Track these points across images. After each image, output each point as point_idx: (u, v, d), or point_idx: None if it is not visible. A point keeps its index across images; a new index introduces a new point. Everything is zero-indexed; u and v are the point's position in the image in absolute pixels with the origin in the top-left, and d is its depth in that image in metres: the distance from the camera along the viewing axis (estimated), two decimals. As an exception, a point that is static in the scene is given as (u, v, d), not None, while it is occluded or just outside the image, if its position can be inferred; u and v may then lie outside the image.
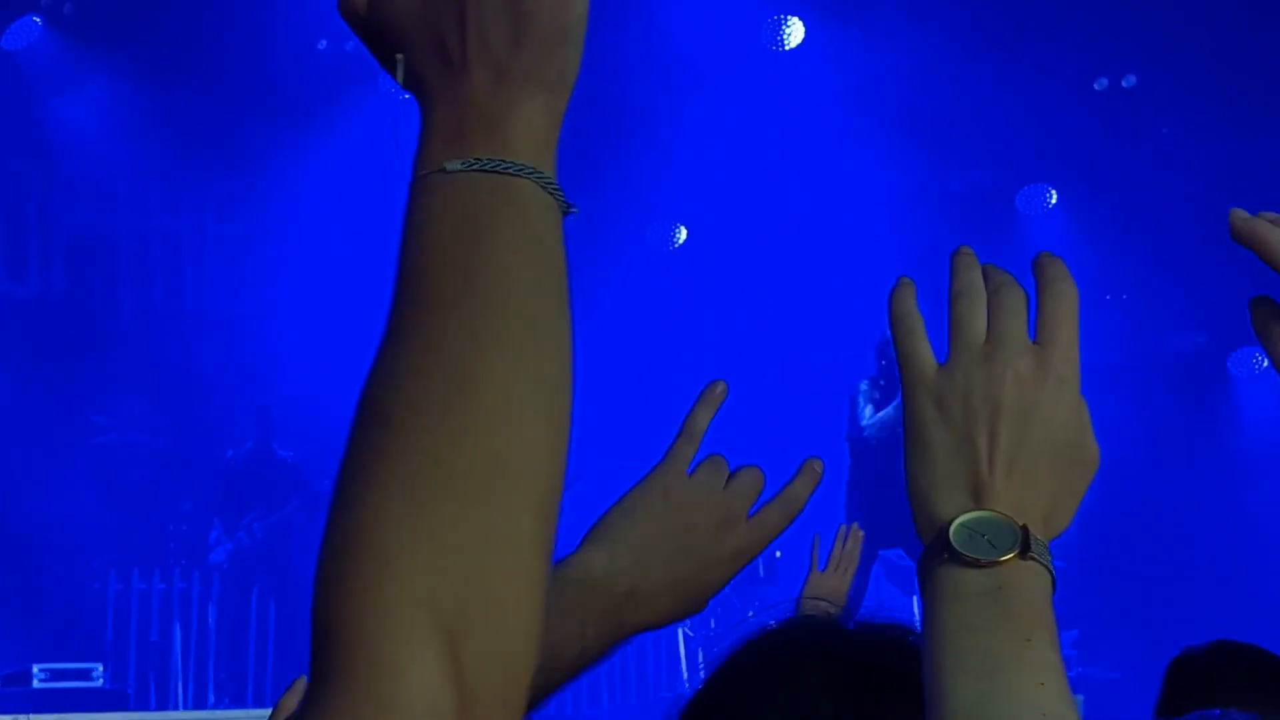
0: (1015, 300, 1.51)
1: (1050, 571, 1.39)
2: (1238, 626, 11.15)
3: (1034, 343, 1.46)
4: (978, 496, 1.40)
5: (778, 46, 15.00)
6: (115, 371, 14.81)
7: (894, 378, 11.67)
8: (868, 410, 11.61)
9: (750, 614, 1.73)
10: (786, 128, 15.24)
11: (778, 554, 13.66)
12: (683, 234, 16.12)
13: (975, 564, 1.36)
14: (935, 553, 1.39)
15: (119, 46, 14.03)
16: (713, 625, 13.52)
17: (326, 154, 14.87)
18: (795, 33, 14.93)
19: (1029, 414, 1.41)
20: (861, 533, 4.66)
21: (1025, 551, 1.37)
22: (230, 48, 13.89)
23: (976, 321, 1.49)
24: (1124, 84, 15.10)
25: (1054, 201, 16.03)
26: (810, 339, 15.60)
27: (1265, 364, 14.63)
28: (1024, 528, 1.37)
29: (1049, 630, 1.36)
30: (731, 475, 1.87)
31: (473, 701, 1.00)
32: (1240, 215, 1.62)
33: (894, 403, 11.51)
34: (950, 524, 1.38)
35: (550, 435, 1.10)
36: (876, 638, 1.65)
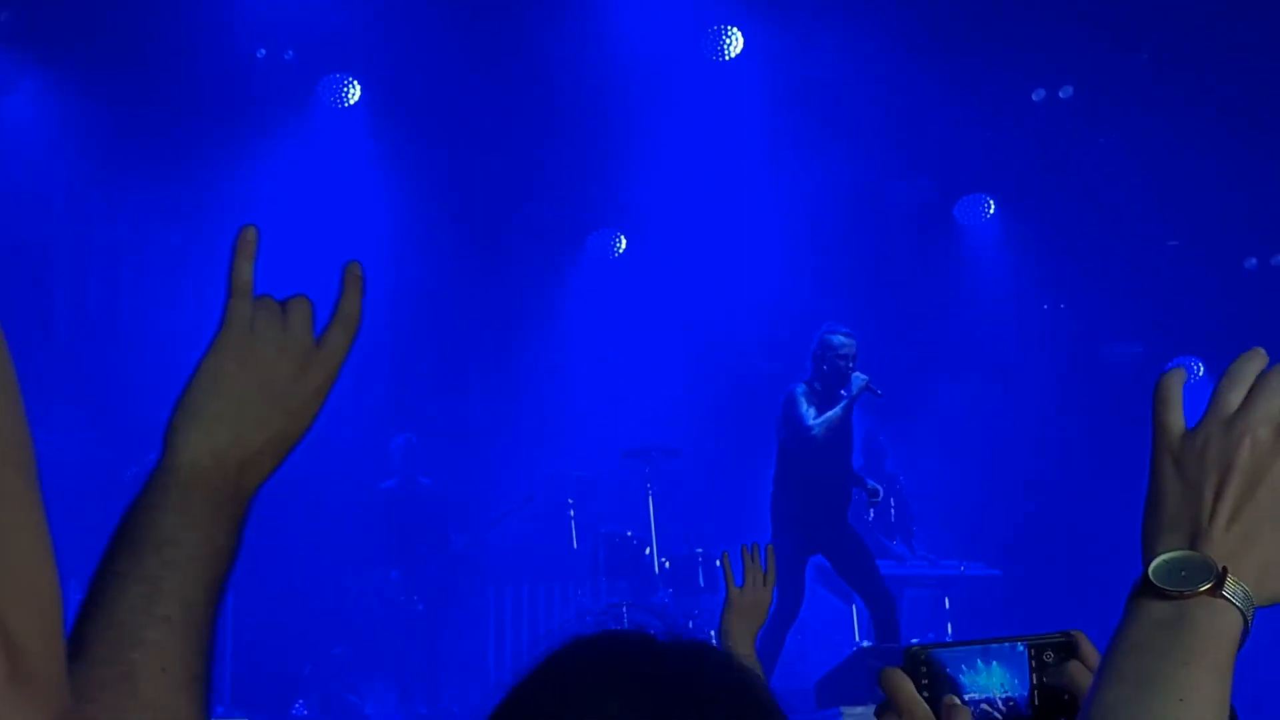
0: (1274, 385, 1.56)
1: (1244, 615, 1.46)
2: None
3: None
4: (1194, 542, 1.50)
5: (718, 56, 15.02)
6: (49, 382, 14.70)
7: (830, 382, 11.66)
8: (811, 411, 11.60)
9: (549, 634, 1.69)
10: (726, 137, 15.27)
11: (717, 563, 13.68)
12: (623, 243, 16.12)
13: (1165, 595, 1.47)
14: (1137, 585, 1.51)
15: (56, 53, 13.93)
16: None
17: (265, 162, 14.81)
18: (735, 43, 14.95)
19: (1259, 477, 1.50)
20: (770, 547, 4.69)
21: (1218, 589, 1.45)
22: (169, 55, 13.82)
23: (1232, 395, 1.57)
24: (1061, 95, 15.17)
25: (992, 211, 16.11)
26: (750, 345, 15.62)
27: (1201, 372, 14.59)
28: (1224, 569, 1.46)
29: (1217, 659, 1.43)
30: (283, 311, 1.87)
31: (20, 657, 1.08)
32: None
33: (841, 404, 11.53)
34: (1156, 559, 1.50)
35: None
36: (684, 652, 1.63)
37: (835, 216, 15.69)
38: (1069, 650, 1.92)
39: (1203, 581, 1.45)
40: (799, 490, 11.51)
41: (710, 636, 13.51)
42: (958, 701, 1.89)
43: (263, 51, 14.27)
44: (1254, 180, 14.94)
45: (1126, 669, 1.43)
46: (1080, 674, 1.91)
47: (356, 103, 14.87)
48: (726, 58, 15.01)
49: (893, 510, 14.70)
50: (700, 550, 13.68)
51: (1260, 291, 15.68)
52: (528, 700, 1.60)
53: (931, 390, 15.93)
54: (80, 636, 1.59)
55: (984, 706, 1.89)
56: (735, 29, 14.91)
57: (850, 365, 11.53)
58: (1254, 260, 15.82)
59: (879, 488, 12.33)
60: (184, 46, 13.77)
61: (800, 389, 11.77)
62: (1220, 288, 15.68)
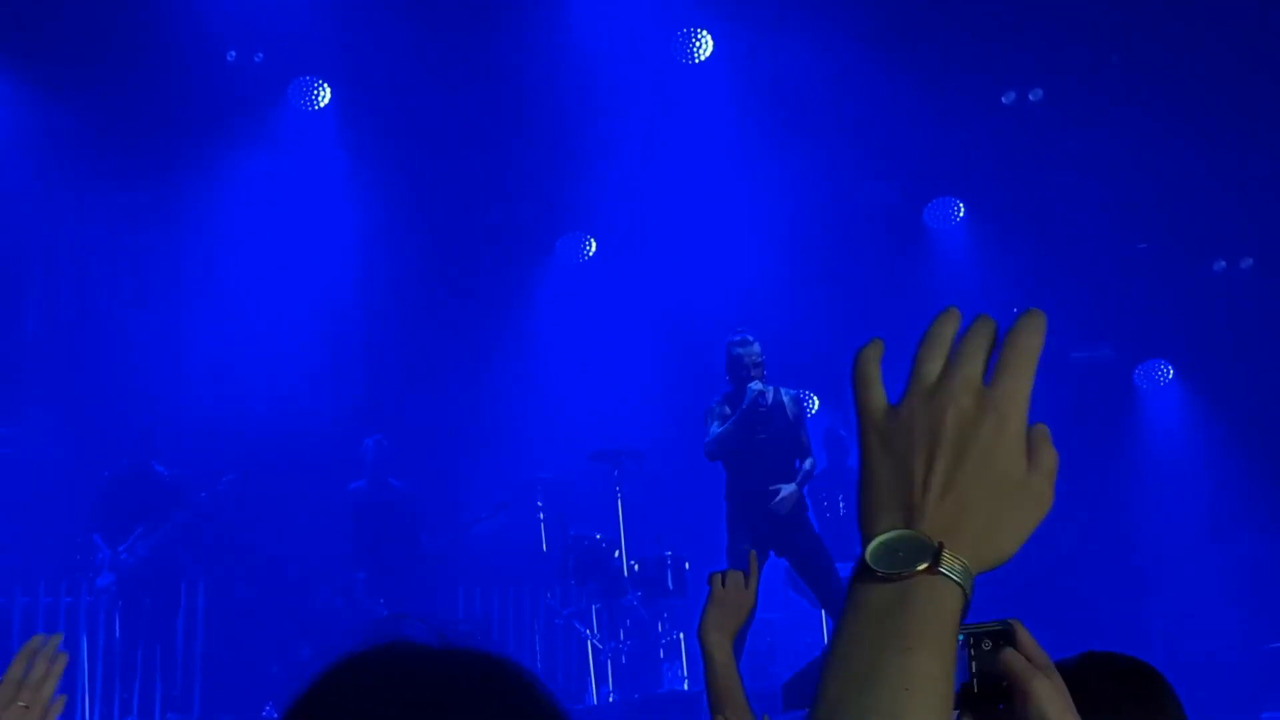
0: (975, 343, 1.56)
1: (964, 588, 1.42)
2: (1135, 633, 11.18)
3: (986, 385, 1.51)
4: (909, 519, 1.45)
5: (688, 60, 15.03)
6: (20, 383, 14.67)
7: (740, 393, 11.72)
8: (713, 427, 11.76)
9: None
10: (696, 141, 15.27)
11: (686, 566, 13.69)
12: (592, 246, 16.12)
13: (885, 578, 1.42)
14: (857, 569, 1.45)
15: (26, 56, 13.90)
16: (622, 637, 13.54)
17: (235, 164, 14.79)
18: (705, 46, 14.96)
19: (966, 445, 1.46)
20: (753, 553, 4.75)
21: (935, 566, 1.41)
22: (140, 58, 13.79)
23: (932, 364, 1.54)
24: (1031, 98, 15.21)
25: (961, 215, 16.13)
26: (719, 349, 15.62)
27: (1171, 375, 14.65)
28: (939, 544, 1.42)
29: (939, 642, 1.39)
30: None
31: None
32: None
33: (731, 419, 11.63)
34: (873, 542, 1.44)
35: None
36: (461, 657, 1.61)
37: (805, 220, 15.70)
38: (1006, 638, 1.96)
39: (920, 560, 1.41)
40: (740, 499, 11.66)
41: (679, 640, 13.55)
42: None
43: (233, 54, 14.24)
44: (1223, 184, 15.00)
45: (851, 661, 1.38)
46: (1016, 661, 1.94)
47: (326, 105, 14.85)
48: (696, 61, 15.02)
49: (841, 506, 14.71)
50: (669, 553, 13.70)
51: (1228, 295, 15.74)
52: (303, 711, 1.55)
53: (899, 392, 15.93)
54: None
55: None
56: (705, 32, 14.92)
57: (752, 373, 11.66)
58: (1222, 263, 15.87)
59: (784, 489, 12.12)
60: (154, 49, 13.74)
61: (712, 405, 11.95)
62: (1189, 291, 15.73)
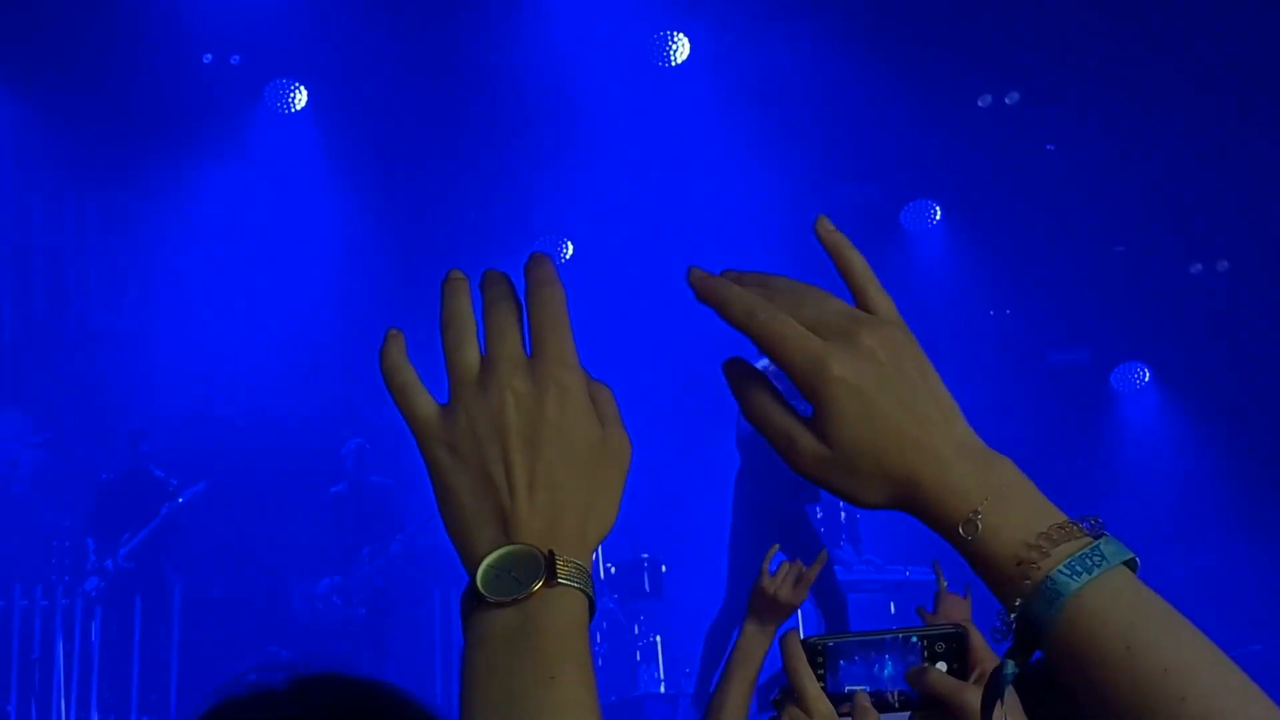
0: (503, 316, 1.45)
1: (586, 594, 1.34)
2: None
3: (529, 357, 1.41)
4: (506, 530, 1.34)
5: (664, 62, 15.03)
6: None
7: (781, 375, 11.72)
8: None
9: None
10: (673, 142, 15.28)
11: (663, 568, 13.70)
12: (570, 249, 16.11)
13: (503, 604, 1.31)
14: (468, 597, 1.34)
15: (1, 58, 13.86)
16: (599, 639, 13.52)
17: (211, 167, 14.77)
18: (681, 49, 14.96)
19: (536, 431, 1.36)
20: (823, 553, 4.67)
21: (553, 579, 1.31)
22: (115, 60, 13.77)
23: (467, 350, 1.43)
24: (1007, 100, 15.23)
25: (938, 218, 16.15)
26: (698, 351, 15.63)
27: (1148, 378, 14.67)
28: (549, 553, 1.32)
29: (577, 663, 1.30)
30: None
31: None
32: (696, 275, 1.60)
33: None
34: (479, 565, 1.33)
35: None
36: (309, 686, 1.60)
37: (781, 221, 15.71)
38: (960, 641, 1.96)
39: (535, 577, 1.30)
40: (764, 480, 11.38)
41: (655, 642, 13.54)
42: (868, 704, 1.91)
43: (209, 57, 14.22)
44: (1201, 186, 15.02)
45: (487, 700, 1.27)
46: (941, 684, 1.93)
47: (303, 108, 14.82)
48: (673, 64, 15.02)
49: (842, 513, 14.71)
50: (646, 556, 13.70)
51: (1206, 297, 15.77)
52: None
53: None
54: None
55: (880, 696, 1.94)
56: (682, 35, 14.92)
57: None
58: (1200, 266, 15.90)
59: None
60: (130, 51, 13.72)
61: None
62: (1166, 294, 15.76)
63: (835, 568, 13.27)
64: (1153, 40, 14.17)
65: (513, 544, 1.32)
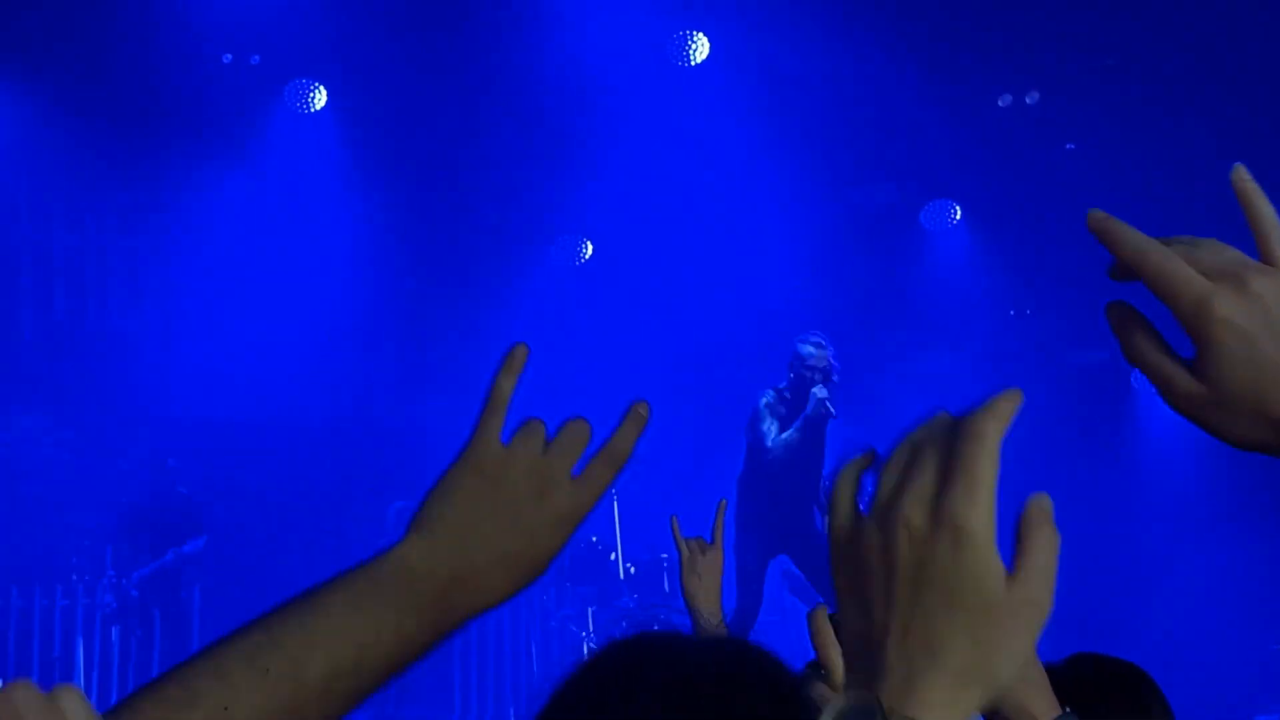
0: (929, 447, 1.29)
1: None
2: (1126, 636, 11.11)
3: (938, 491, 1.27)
4: (872, 666, 1.24)
5: (683, 62, 15.01)
6: (15, 386, 14.66)
7: (800, 393, 11.56)
8: (773, 429, 11.54)
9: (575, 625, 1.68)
10: (692, 142, 15.26)
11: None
12: (589, 249, 16.09)
13: None
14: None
15: (18, 57, 13.88)
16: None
17: (230, 167, 14.78)
18: (701, 48, 14.94)
19: (922, 574, 1.24)
20: (722, 502, 4.84)
21: None
22: (134, 60, 13.78)
23: (889, 474, 1.30)
24: (1028, 100, 15.20)
25: (958, 217, 16.12)
26: (715, 350, 15.63)
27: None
28: (877, 702, 1.21)
29: None
30: (554, 434, 1.79)
31: None
32: (1097, 214, 1.57)
33: (795, 426, 11.48)
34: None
35: None
36: (722, 651, 1.62)
37: (801, 221, 15.71)
38: None
39: None
40: (764, 494, 11.44)
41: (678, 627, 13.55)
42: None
43: (229, 57, 14.22)
44: (1222, 184, 14.96)
45: None
46: None
47: (322, 108, 14.83)
48: (692, 63, 15.01)
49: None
50: (665, 555, 13.70)
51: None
52: (570, 706, 1.61)
53: (898, 395, 15.97)
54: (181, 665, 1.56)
55: None
56: (701, 34, 14.90)
57: (816, 376, 11.45)
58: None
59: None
60: (150, 51, 13.73)
61: (767, 398, 11.71)
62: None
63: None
64: (1173, 38, 14.14)
65: (863, 696, 1.22)
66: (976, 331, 16.12)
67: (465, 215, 15.46)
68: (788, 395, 11.62)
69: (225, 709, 1.52)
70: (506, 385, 1.86)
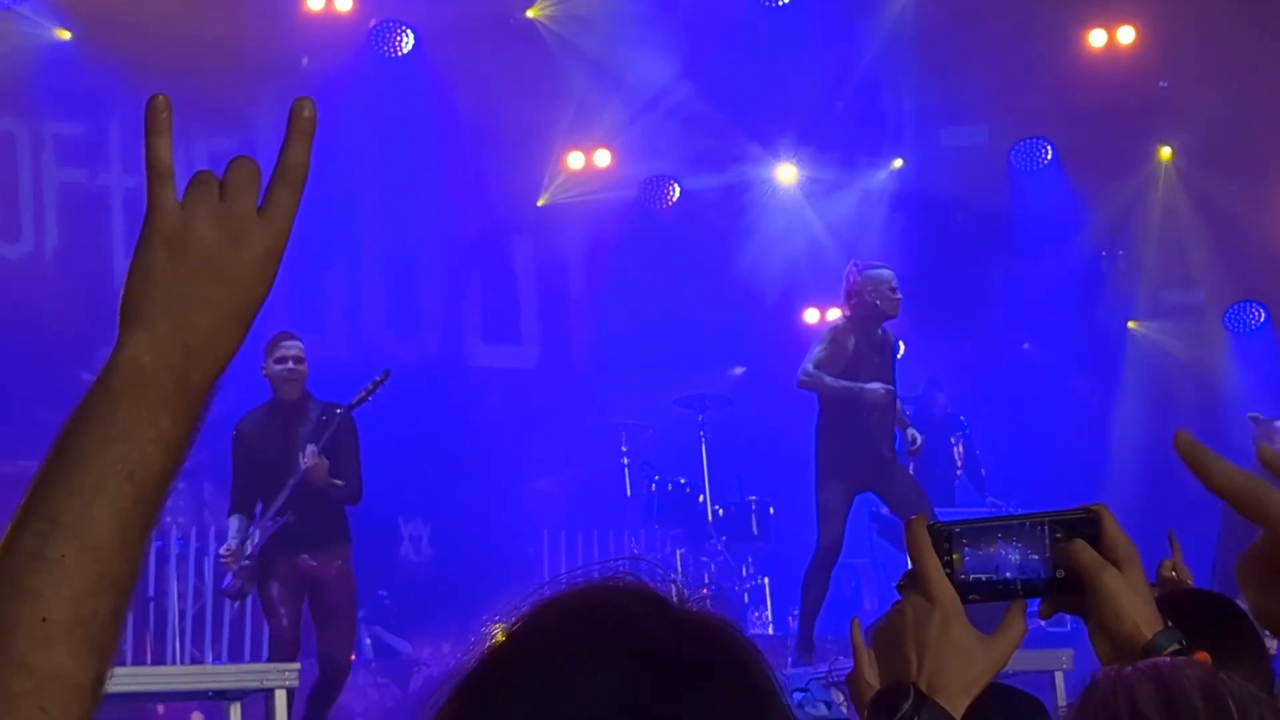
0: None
1: None
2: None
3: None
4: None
5: (772, 1, 14.92)
6: (107, 330, 14.72)
7: (873, 317, 11.10)
8: (820, 353, 11.04)
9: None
10: (779, 86, 15.17)
11: (771, 510, 13.65)
12: (676, 191, 15.85)
13: None
14: None
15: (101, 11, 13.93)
16: (707, 581, 13.50)
17: (317, 111, 14.76)
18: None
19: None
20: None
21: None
22: (219, 4, 13.82)
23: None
24: (1121, 38, 15.02)
25: (1049, 158, 15.94)
26: (798, 291, 15.53)
27: (1263, 318, 14.32)
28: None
29: None
30: (221, 181, 1.72)
31: None
32: (1184, 438, 1.70)
33: (841, 385, 11.00)
34: None
35: None
36: (691, 624, 1.49)
37: (888, 161, 15.68)
38: (1092, 526, 1.91)
39: None
40: (843, 431, 11.09)
41: (763, 584, 13.50)
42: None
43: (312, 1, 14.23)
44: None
45: None
46: (1083, 554, 1.89)
47: (409, 51, 14.73)
48: (781, 2, 14.89)
49: (959, 453, 14.55)
50: (754, 498, 13.68)
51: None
52: (515, 658, 1.47)
53: (993, 335, 15.90)
54: None
55: (1006, 584, 1.95)
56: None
57: (879, 304, 10.93)
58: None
59: (919, 436, 11.67)
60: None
61: (833, 328, 11.30)
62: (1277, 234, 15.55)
63: (950, 510, 13.07)
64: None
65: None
66: (1070, 272, 15.98)
67: (546, 161, 15.48)
68: (859, 330, 11.12)
69: (44, 620, 1.42)
70: (162, 149, 1.77)
